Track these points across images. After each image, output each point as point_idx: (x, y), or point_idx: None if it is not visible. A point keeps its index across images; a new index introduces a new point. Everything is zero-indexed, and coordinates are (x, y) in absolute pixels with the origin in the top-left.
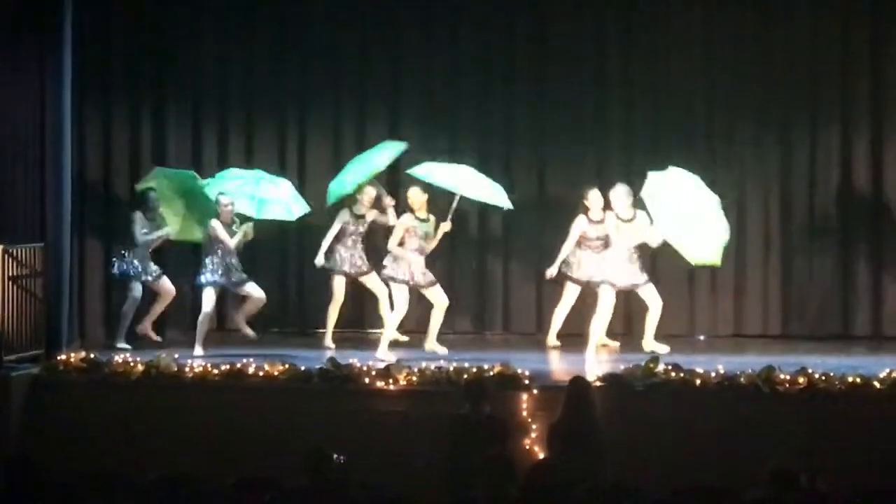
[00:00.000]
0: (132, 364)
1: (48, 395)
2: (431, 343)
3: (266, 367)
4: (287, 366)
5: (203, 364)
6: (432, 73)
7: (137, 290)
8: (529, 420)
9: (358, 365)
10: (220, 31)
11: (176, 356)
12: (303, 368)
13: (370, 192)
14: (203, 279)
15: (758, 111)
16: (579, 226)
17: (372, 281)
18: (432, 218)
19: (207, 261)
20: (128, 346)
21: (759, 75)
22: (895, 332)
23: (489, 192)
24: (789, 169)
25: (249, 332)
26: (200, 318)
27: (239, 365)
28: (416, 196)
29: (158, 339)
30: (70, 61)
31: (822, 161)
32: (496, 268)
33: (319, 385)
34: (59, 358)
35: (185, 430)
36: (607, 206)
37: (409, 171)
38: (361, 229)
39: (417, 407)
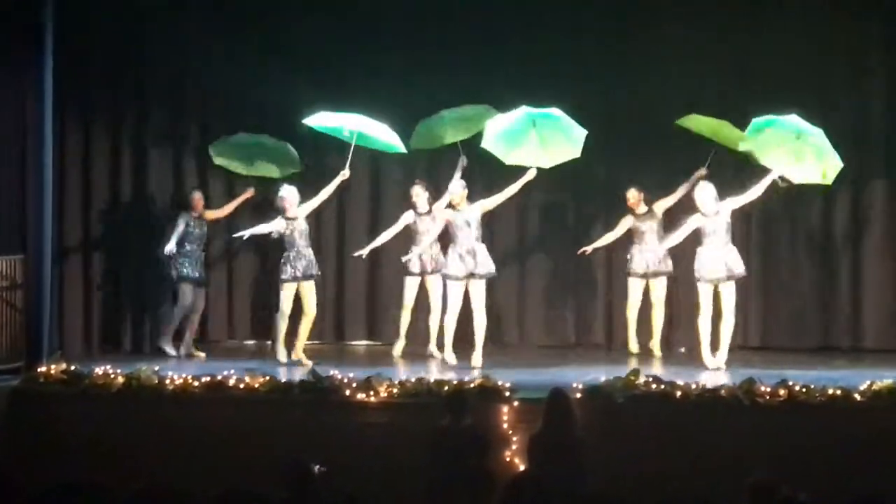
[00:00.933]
0: (112, 376)
1: (28, 407)
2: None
3: (247, 379)
4: (268, 378)
5: (184, 376)
6: (415, 86)
7: (188, 293)
8: (510, 432)
9: (339, 377)
10: (201, 44)
11: (157, 368)
12: (283, 380)
13: (419, 192)
14: (281, 275)
15: (739, 121)
16: (626, 223)
17: (434, 284)
18: (472, 206)
19: (283, 257)
20: (174, 353)
21: (741, 85)
22: (875, 344)
23: (561, 154)
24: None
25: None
26: (276, 318)
27: (220, 377)
28: (456, 191)
29: (202, 354)
30: (51, 75)
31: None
32: None
33: (300, 397)
34: (39, 370)
35: (165, 443)
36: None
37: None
38: (431, 227)
39: (398, 419)
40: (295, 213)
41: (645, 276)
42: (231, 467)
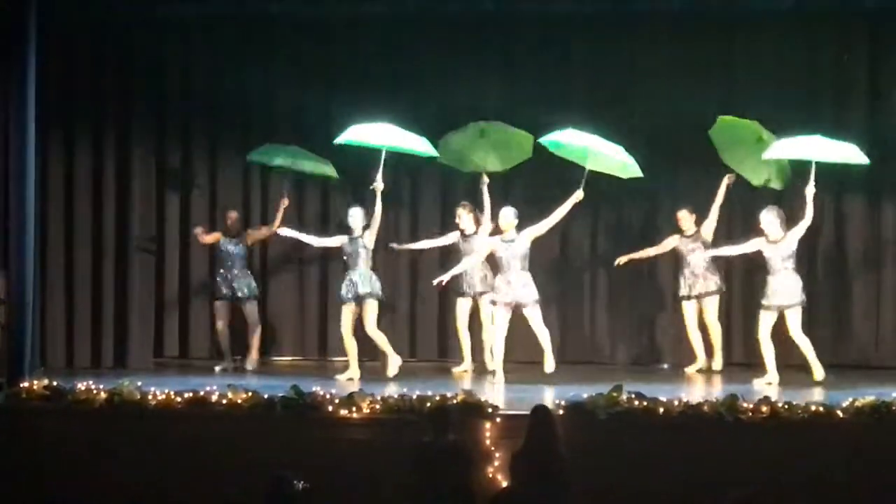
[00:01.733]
0: (95, 392)
1: (10, 423)
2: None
3: (229, 394)
4: (250, 394)
5: (166, 392)
6: (395, 100)
7: (222, 313)
8: (493, 448)
9: (321, 393)
10: (182, 64)
11: (139, 384)
12: (266, 396)
13: (463, 214)
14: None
15: None
16: (671, 241)
17: (485, 303)
18: (521, 235)
19: (344, 277)
20: (217, 368)
21: (719, 107)
22: (858, 360)
23: (615, 160)
24: (752, 199)
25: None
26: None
27: (202, 392)
28: (506, 218)
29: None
30: (34, 94)
31: (788, 191)
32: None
33: (282, 413)
34: (21, 385)
35: (148, 458)
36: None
37: (542, 140)
38: (476, 250)
39: (381, 435)
40: (359, 233)
41: (693, 297)
42: (213, 483)
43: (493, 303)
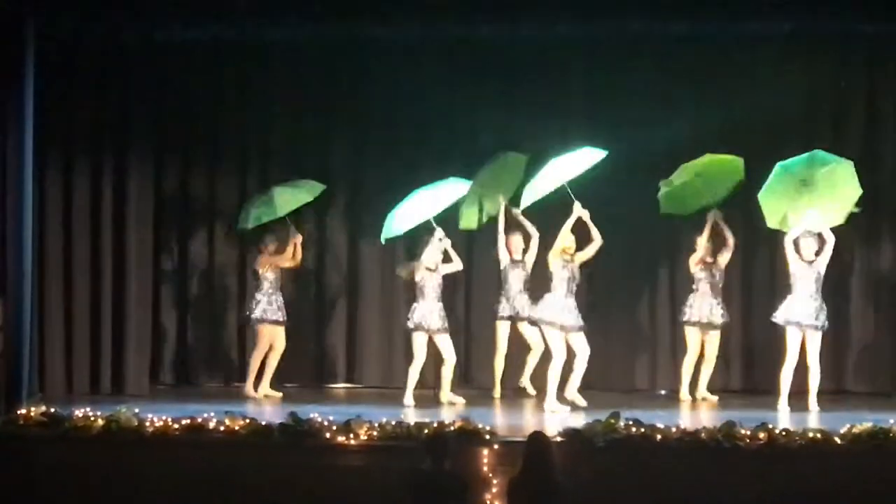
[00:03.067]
0: (92, 419)
1: (7, 450)
2: (572, 393)
3: (227, 421)
4: (248, 420)
5: (164, 419)
6: (395, 125)
7: (259, 334)
8: (490, 475)
9: (319, 420)
10: (182, 88)
11: (136, 410)
12: (263, 423)
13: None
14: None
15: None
16: (697, 256)
17: (528, 330)
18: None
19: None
20: (253, 394)
21: (718, 130)
22: (856, 387)
23: (581, 164)
24: (748, 223)
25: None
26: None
27: (199, 420)
28: (571, 241)
29: (278, 395)
30: (31, 119)
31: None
32: (456, 323)
33: (280, 440)
34: (18, 412)
35: (145, 485)
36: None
37: (524, 208)
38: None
39: (378, 462)
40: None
41: (698, 325)
42: None
43: (550, 324)
